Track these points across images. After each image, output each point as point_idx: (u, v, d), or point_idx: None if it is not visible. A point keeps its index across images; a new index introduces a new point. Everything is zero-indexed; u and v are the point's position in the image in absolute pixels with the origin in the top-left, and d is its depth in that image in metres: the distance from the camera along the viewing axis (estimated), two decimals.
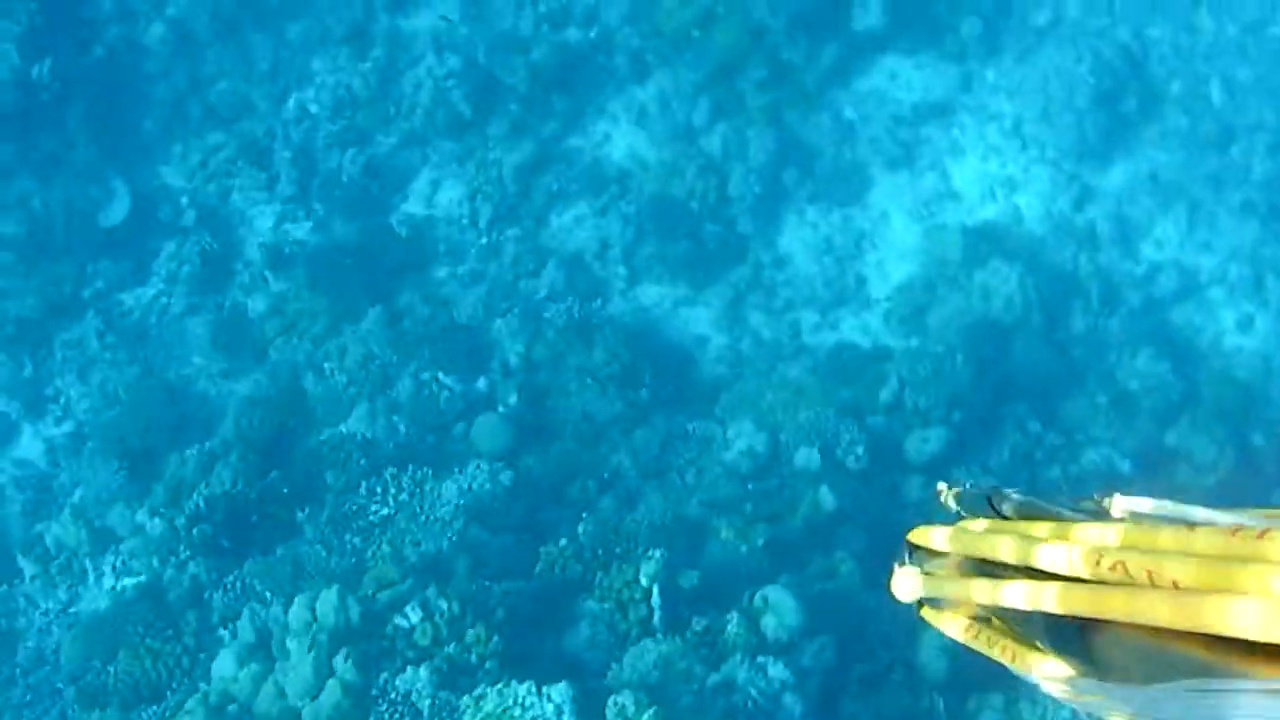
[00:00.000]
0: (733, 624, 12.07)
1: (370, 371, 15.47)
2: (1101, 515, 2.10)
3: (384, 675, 11.10)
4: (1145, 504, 2.01)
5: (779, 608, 12.25)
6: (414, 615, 11.43)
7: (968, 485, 2.57)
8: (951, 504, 2.56)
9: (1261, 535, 1.65)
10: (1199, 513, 1.87)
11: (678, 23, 16.81)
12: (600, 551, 12.68)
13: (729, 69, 16.92)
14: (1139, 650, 1.77)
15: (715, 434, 15.05)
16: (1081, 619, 1.87)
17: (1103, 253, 16.80)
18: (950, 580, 2.35)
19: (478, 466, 14.21)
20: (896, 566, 2.50)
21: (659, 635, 11.94)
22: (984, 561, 2.23)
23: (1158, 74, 17.64)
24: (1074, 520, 2.12)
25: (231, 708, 11.48)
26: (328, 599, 11.33)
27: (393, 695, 10.98)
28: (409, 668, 11.13)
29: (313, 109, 17.24)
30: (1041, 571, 1.98)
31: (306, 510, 13.82)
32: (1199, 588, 1.65)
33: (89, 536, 14.59)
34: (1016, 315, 15.82)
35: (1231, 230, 17.06)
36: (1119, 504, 2.05)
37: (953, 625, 2.44)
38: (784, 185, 16.93)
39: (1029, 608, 1.99)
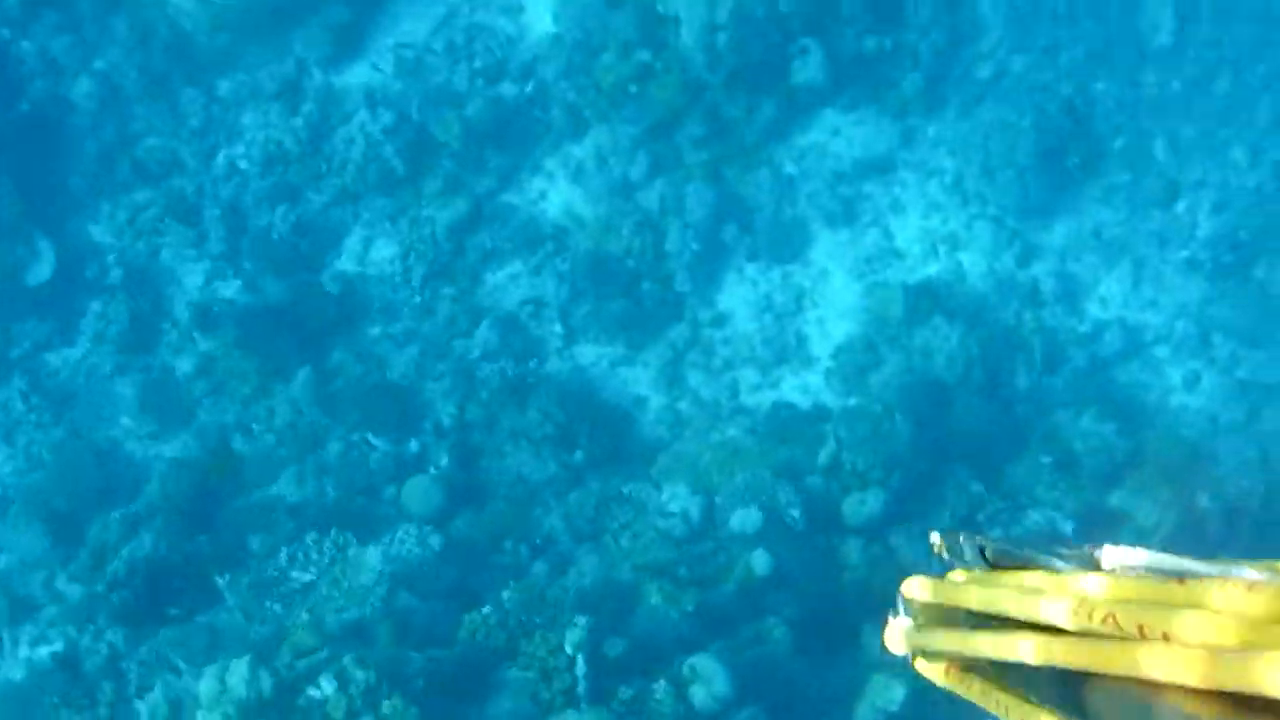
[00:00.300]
0: (659, 693, 11.72)
1: (299, 433, 15.16)
2: (1094, 566, 1.99)
3: None
4: (1137, 555, 1.92)
5: (708, 676, 11.91)
6: (328, 686, 11.04)
7: (961, 535, 2.41)
8: (944, 554, 2.44)
9: (1250, 588, 1.60)
10: (1190, 564, 1.79)
11: (615, 78, 16.52)
12: (525, 619, 12.33)
13: (667, 125, 16.62)
14: (1130, 703, 1.71)
15: (651, 497, 14.70)
16: (1074, 672, 1.80)
17: (1046, 310, 16.51)
18: (942, 632, 2.28)
19: (406, 531, 13.89)
20: (890, 618, 2.42)
21: (583, 706, 11.57)
22: (976, 613, 2.17)
23: (1101, 129, 17.38)
24: (1066, 571, 2.03)
25: None
26: (238, 670, 10.97)
27: None
28: None
29: (243, 165, 16.90)
30: (1033, 624, 1.92)
31: (227, 576, 13.44)
32: (1189, 641, 1.58)
33: (8, 605, 14.22)
34: (958, 374, 15.54)
35: (1177, 287, 16.80)
36: (1110, 555, 1.96)
37: (946, 677, 2.35)
38: (723, 242, 16.66)
39: (1020, 660, 1.93)
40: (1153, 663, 1.60)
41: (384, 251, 16.73)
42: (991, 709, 2.14)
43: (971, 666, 2.23)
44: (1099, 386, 16.31)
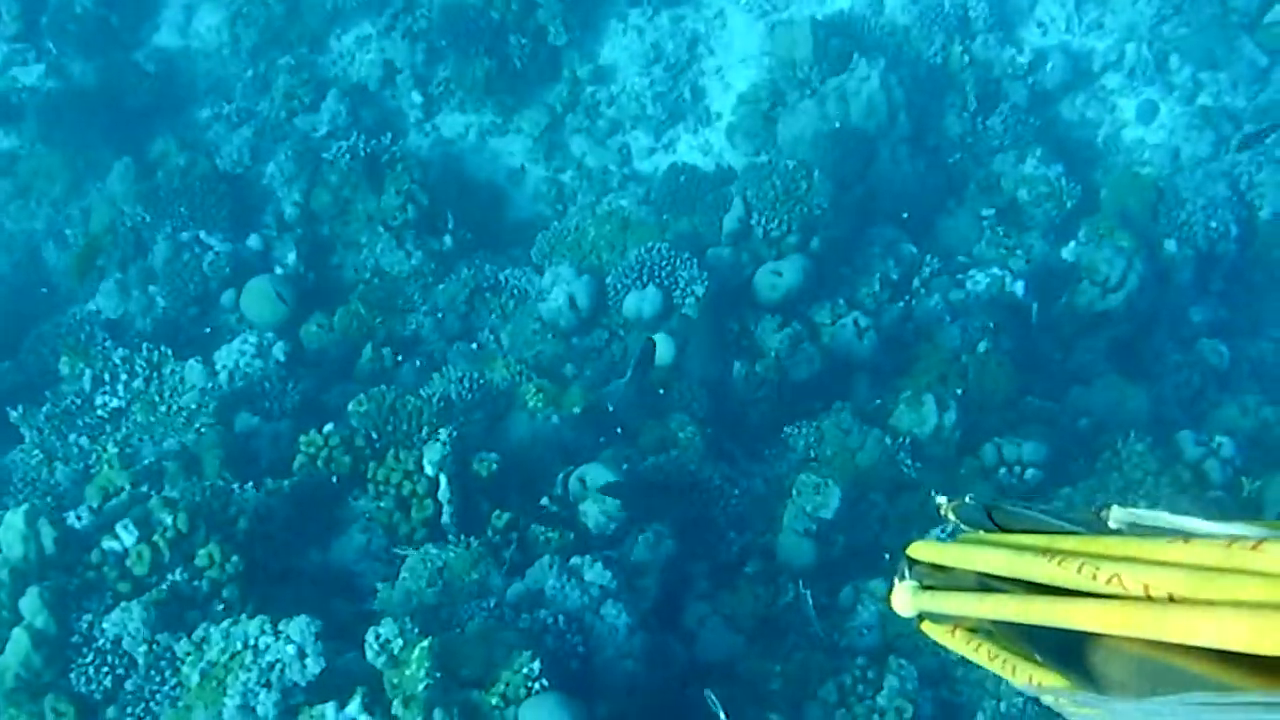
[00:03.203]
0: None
1: (119, 236, 13.00)
2: (1099, 526, 2.15)
3: (88, 618, 8.64)
4: (1142, 515, 2.09)
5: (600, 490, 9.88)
6: (127, 536, 8.94)
7: (967, 499, 2.55)
8: (950, 517, 2.57)
9: (1256, 547, 1.68)
10: (1195, 524, 1.91)
11: None
12: (375, 436, 10.23)
13: None
14: (1136, 663, 1.78)
15: (532, 283, 12.68)
16: (1079, 632, 1.88)
17: (978, 41, 14.53)
18: (949, 595, 2.37)
19: (245, 340, 11.82)
20: (896, 581, 2.53)
21: (451, 538, 9.53)
22: (983, 575, 2.26)
23: None
24: (1071, 532, 2.18)
25: None
26: (12, 523, 8.86)
27: (100, 643, 8.56)
28: (120, 605, 8.65)
29: None
30: (1039, 585, 2.02)
31: (20, 409, 11.31)
32: (1195, 600, 1.66)
33: None
34: (880, 121, 13.58)
35: (1125, 5, 14.73)
36: (1116, 516, 2.13)
37: (953, 639, 2.48)
38: None
39: (1026, 621, 2.03)
40: (1157, 623, 1.69)
41: (208, 19, 14.66)
42: (997, 670, 2.31)
43: (977, 627, 2.42)
44: (1042, 125, 14.52)
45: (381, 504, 9.79)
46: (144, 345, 11.50)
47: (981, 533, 2.42)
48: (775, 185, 12.42)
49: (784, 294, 12.17)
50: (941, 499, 2.60)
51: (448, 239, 13.09)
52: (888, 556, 10.08)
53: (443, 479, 9.67)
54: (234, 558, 8.94)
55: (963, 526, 2.51)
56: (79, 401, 11.33)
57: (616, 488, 9.89)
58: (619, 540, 9.93)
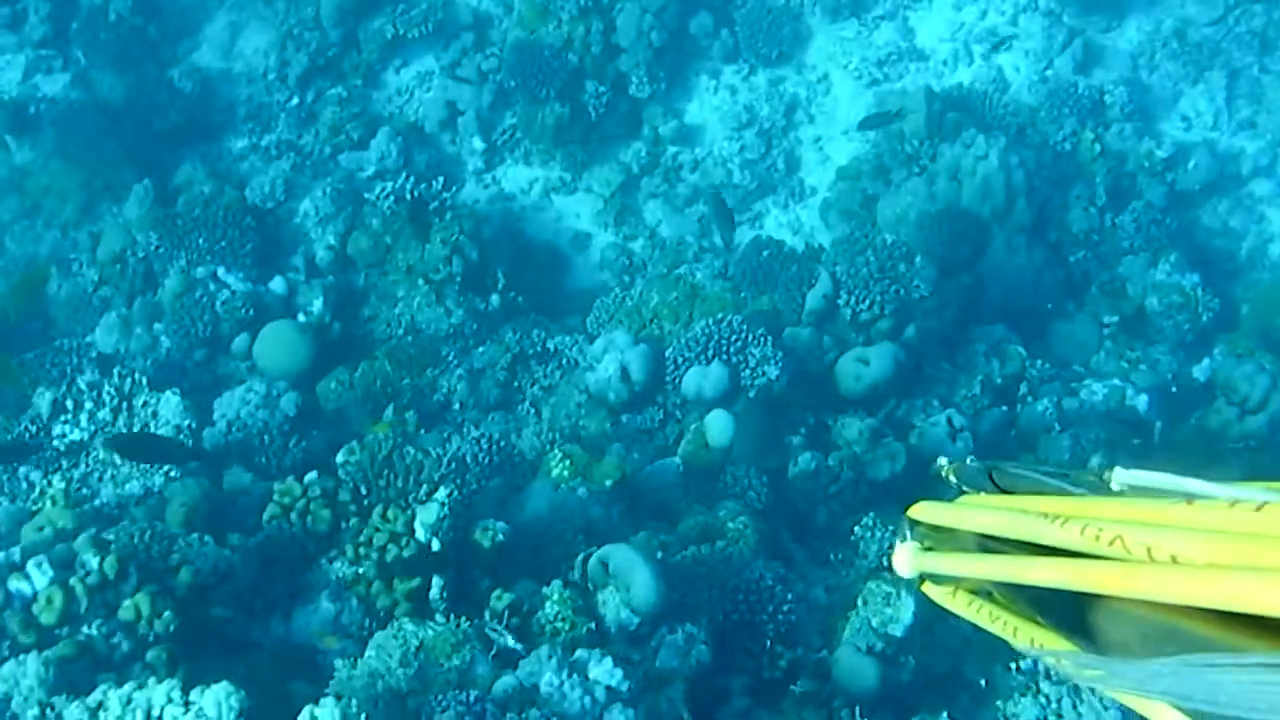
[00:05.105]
0: (552, 600, 7.98)
1: (128, 266, 11.61)
2: (1101, 488, 2.22)
3: None
4: (1144, 477, 2.14)
5: (626, 577, 8.16)
6: (39, 576, 7.33)
7: (969, 460, 2.62)
8: (952, 479, 2.65)
9: (1259, 509, 1.67)
10: (1198, 486, 1.94)
11: None
12: (365, 490, 8.58)
13: None
14: (1138, 625, 1.77)
15: (585, 353, 11.12)
16: (1082, 594, 1.88)
17: (1112, 130, 13.05)
18: (950, 556, 2.44)
19: (251, 389, 10.32)
20: (897, 542, 2.55)
21: (437, 616, 7.85)
22: (985, 537, 2.29)
23: None
24: (1074, 494, 2.27)
25: None
26: None
27: None
28: (16, 658, 7.03)
29: None
30: (1041, 546, 2.02)
31: None
32: (1197, 562, 1.65)
33: None
34: (996, 205, 12.06)
35: None
36: (1118, 477, 2.20)
37: (954, 600, 2.52)
38: (693, 36, 13.34)
39: (1028, 583, 2.03)
40: (1160, 584, 1.68)
41: (255, 40, 13.39)
42: (999, 632, 2.32)
43: (978, 590, 2.47)
44: (1179, 229, 12.95)
45: (360, 569, 8.13)
46: (115, 371, 10.00)
47: (983, 495, 2.51)
48: (869, 261, 10.91)
49: (869, 385, 10.67)
50: (943, 460, 2.71)
51: (494, 299, 11.59)
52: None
53: (436, 545, 8.01)
54: (166, 614, 7.31)
55: (964, 488, 2.60)
56: (34, 429, 9.80)
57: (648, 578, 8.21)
58: (643, 640, 8.22)
